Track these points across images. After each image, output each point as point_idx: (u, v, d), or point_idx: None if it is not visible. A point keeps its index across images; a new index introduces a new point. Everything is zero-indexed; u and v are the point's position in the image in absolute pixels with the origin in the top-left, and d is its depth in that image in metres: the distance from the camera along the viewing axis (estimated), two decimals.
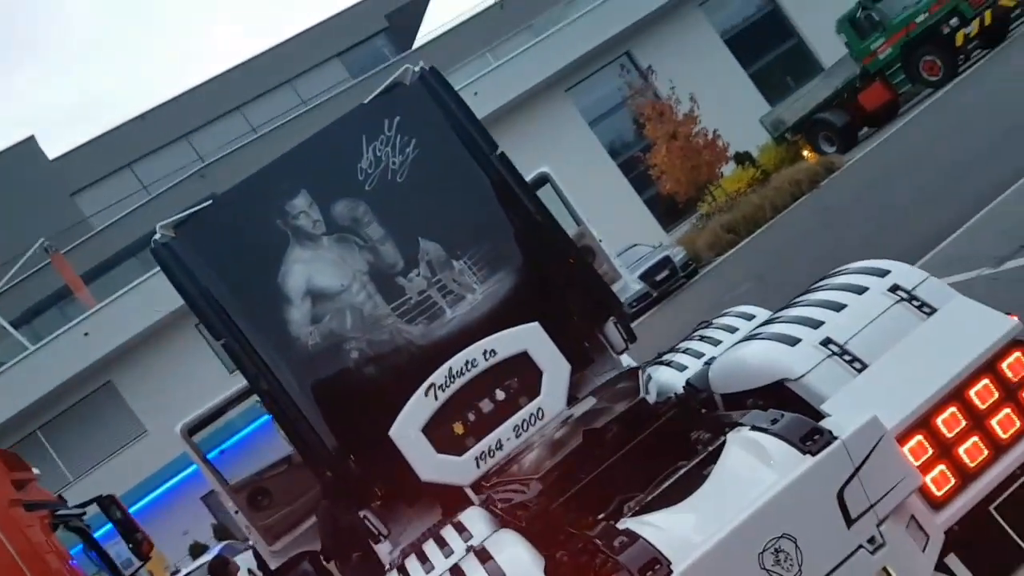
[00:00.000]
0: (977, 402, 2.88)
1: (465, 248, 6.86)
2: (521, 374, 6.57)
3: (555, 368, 6.58)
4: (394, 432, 6.31)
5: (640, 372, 4.18)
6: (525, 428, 6.47)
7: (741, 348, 3.65)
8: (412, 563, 4.32)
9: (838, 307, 3.28)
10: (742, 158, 26.49)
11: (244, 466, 8.43)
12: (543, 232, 6.92)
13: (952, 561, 2.81)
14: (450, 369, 6.48)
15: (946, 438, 2.86)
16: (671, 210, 28.68)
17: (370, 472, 6.52)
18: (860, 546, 2.59)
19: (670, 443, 3.61)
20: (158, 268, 6.65)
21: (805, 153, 24.43)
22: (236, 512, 7.89)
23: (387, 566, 6.70)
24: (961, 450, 2.86)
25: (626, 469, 3.56)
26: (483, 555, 3.21)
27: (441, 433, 6.40)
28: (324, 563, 8.06)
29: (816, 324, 3.26)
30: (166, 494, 24.32)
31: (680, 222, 27.63)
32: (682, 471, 3.16)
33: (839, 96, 24.02)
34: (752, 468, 2.80)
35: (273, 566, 8.33)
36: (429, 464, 6.30)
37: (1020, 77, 15.12)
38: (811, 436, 2.71)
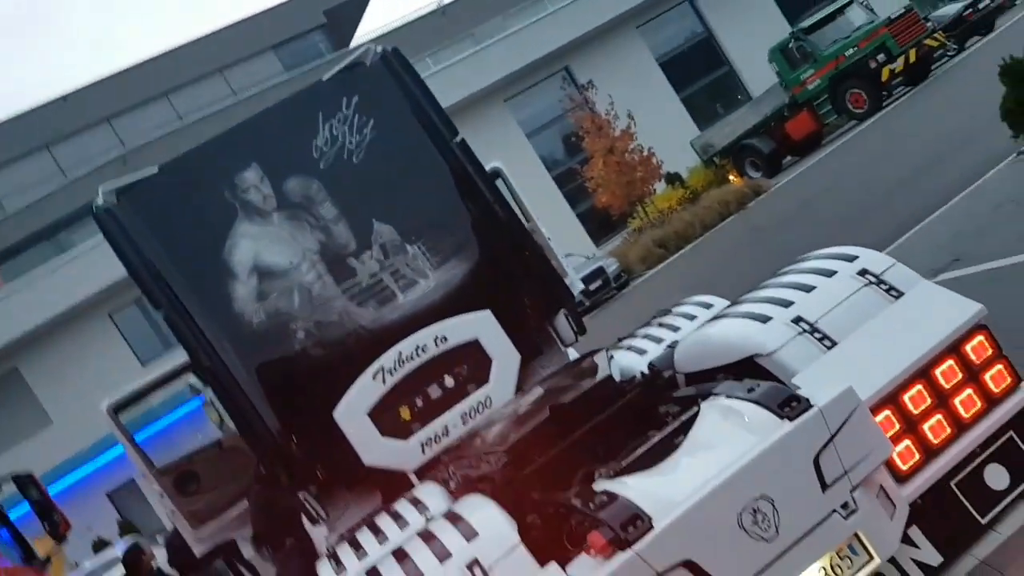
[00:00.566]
0: (942, 381, 2.99)
1: (420, 233, 6.80)
2: (471, 362, 6.54)
3: (505, 357, 6.58)
4: (339, 414, 6.19)
5: (604, 353, 4.20)
6: (472, 416, 6.44)
7: (709, 327, 3.72)
8: (364, 536, 4.24)
9: (807, 288, 3.37)
10: (672, 178, 27.10)
11: (169, 452, 8.15)
12: (500, 222, 6.91)
13: (914, 533, 2.90)
14: (399, 353, 6.41)
15: (912, 414, 2.96)
16: (603, 224, 29.12)
17: (312, 454, 6.38)
18: (834, 510, 2.66)
19: (638, 418, 3.64)
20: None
21: (731, 177, 25.13)
22: (162, 496, 7.62)
23: (324, 551, 6.58)
24: (926, 427, 2.96)
25: (594, 443, 3.57)
26: (452, 517, 3.18)
27: (387, 417, 6.31)
28: (248, 555, 7.84)
29: (786, 303, 3.34)
30: (69, 488, 23.31)
31: (611, 236, 28.04)
32: (654, 440, 3.19)
33: (767, 124, 24.81)
34: (730, 433, 2.85)
35: (198, 552, 8.06)
36: (373, 448, 6.21)
37: (938, 113, 15.87)
38: (788, 403, 2.77)
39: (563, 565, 2.81)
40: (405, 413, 6.35)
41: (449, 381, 6.44)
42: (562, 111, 28.41)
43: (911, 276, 3.30)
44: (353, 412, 6.20)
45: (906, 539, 2.88)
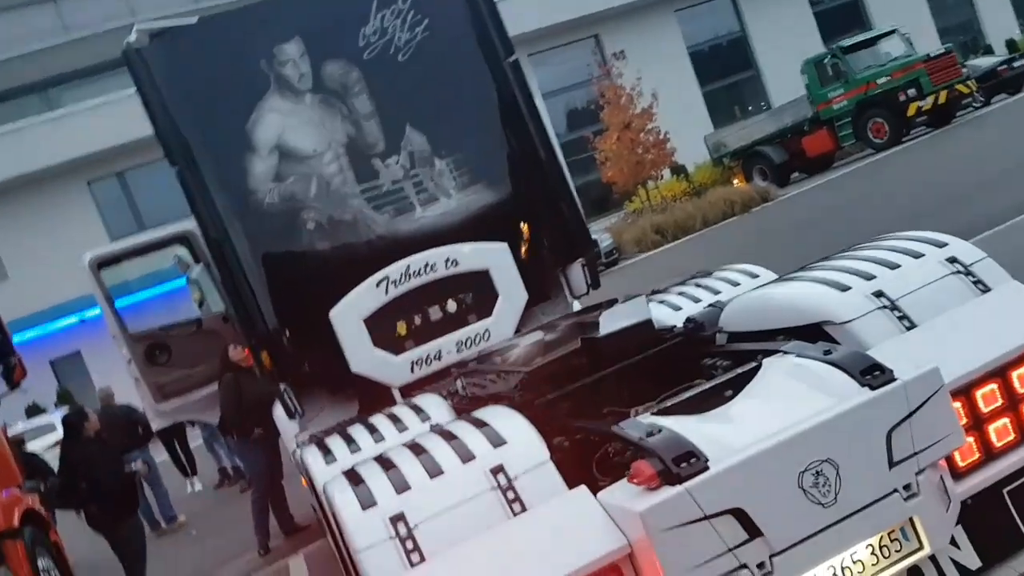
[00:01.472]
0: (1017, 385, 2.84)
1: (452, 149, 6.53)
2: (477, 292, 6.34)
3: (512, 295, 6.38)
4: (335, 314, 5.97)
5: (644, 298, 4.00)
6: (468, 346, 6.25)
7: (771, 289, 3.54)
8: (358, 432, 4.04)
9: (892, 265, 3.20)
10: (677, 169, 26.93)
11: (143, 323, 7.86)
12: (537, 157, 6.67)
13: (958, 533, 2.76)
14: (408, 267, 6.18)
15: (981, 412, 2.81)
16: (599, 201, 28.89)
17: (301, 349, 6.16)
18: (896, 490, 2.50)
19: (677, 367, 3.47)
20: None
21: (736, 181, 25.00)
22: (130, 362, 7.35)
23: (293, 446, 6.38)
24: (992, 427, 2.82)
25: (629, 381, 3.39)
26: (476, 422, 2.97)
27: (382, 329, 6.10)
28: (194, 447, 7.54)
29: (868, 276, 3.17)
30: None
31: (605, 214, 27.78)
32: (703, 387, 3.01)
33: (784, 135, 24.62)
34: (800, 392, 2.68)
35: (155, 426, 7.82)
36: (363, 356, 6.00)
37: (958, 158, 15.78)
38: (871, 371, 2.60)
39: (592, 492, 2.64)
40: (401, 328, 6.15)
41: (451, 306, 6.23)
42: (584, 78, 27.91)
43: (1000, 273, 3.14)
44: (349, 316, 5.97)
45: (950, 538, 2.74)
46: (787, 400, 2.66)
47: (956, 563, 2.82)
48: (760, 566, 2.39)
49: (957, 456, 2.78)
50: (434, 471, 2.76)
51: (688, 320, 3.90)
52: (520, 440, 2.82)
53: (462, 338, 6.21)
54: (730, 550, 2.38)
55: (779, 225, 15.46)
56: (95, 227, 24.77)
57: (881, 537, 2.52)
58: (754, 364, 2.98)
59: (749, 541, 2.39)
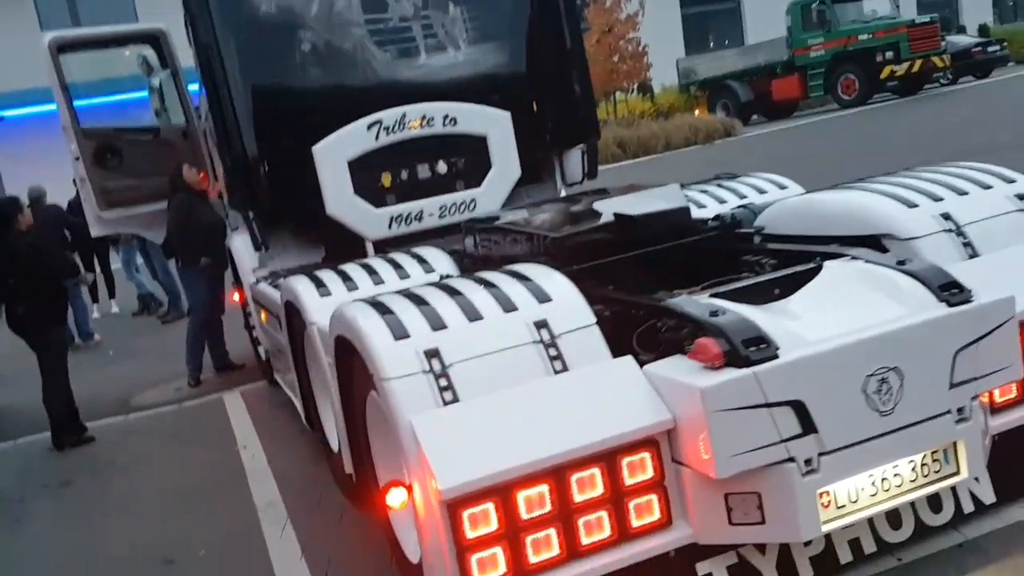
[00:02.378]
0: None
1: None
2: (470, 158, 6.04)
3: (505, 168, 6.10)
4: (319, 149, 5.60)
5: (678, 186, 3.80)
6: (451, 212, 5.98)
7: (827, 194, 3.40)
8: (355, 271, 3.78)
9: (960, 191, 3.09)
10: (643, 88, 26.57)
11: (99, 122, 7.27)
12: (559, 27, 6.29)
13: None
14: (403, 115, 5.82)
15: None
16: None
17: (277, 180, 5.79)
18: (949, 411, 2.43)
19: (713, 259, 3.32)
20: None
21: (696, 112, 24.83)
22: (77, 159, 6.81)
23: (251, 279, 6.07)
24: None
25: (661, 267, 3.22)
26: (516, 274, 2.76)
27: (366, 177, 5.77)
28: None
29: (935, 197, 3.05)
30: None
31: None
32: (751, 280, 2.88)
33: (754, 73, 24.46)
34: (871, 297, 2.55)
35: (95, 233, 7.33)
36: (341, 200, 5.68)
37: (917, 132, 15.85)
38: (949, 288, 2.49)
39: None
40: (386, 180, 5.83)
41: (442, 168, 5.93)
42: None
43: None
44: (334, 154, 5.61)
45: None
46: (855, 303, 2.54)
47: (973, 495, 2.81)
48: (808, 462, 2.30)
49: (996, 391, 2.73)
50: (472, 315, 2.56)
51: (718, 216, 3.75)
52: (566, 299, 2.64)
53: (447, 203, 5.93)
54: (782, 441, 2.27)
55: (736, 160, 15.41)
56: (27, 17, 22.97)
57: (925, 455, 2.45)
58: (812, 265, 2.84)
59: (802, 436, 2.29)
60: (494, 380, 2.43)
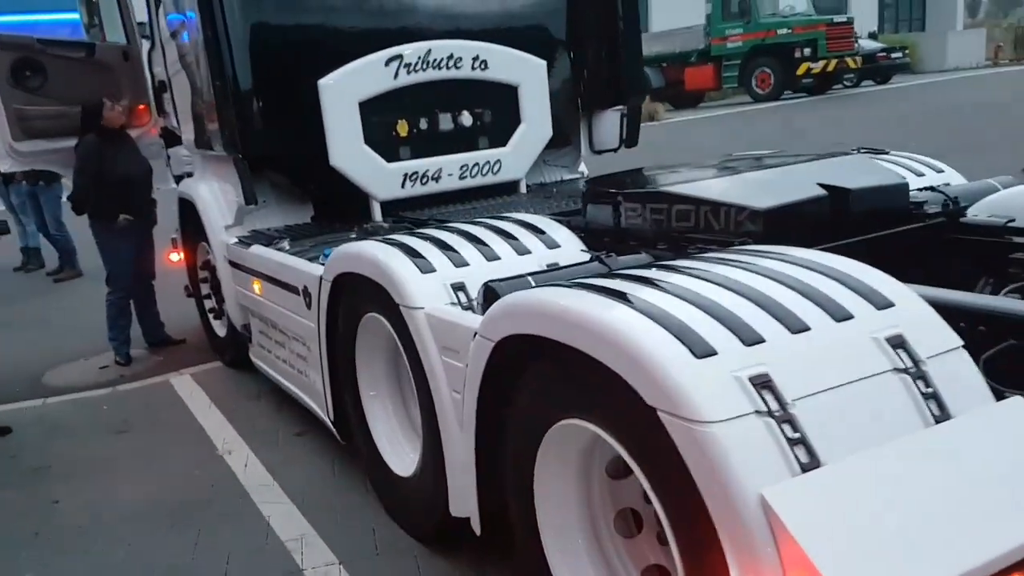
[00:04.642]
0: None
1: None
2: (498, 110, 5.12)
3: (536, 126, 5.22)
4: (326, 84, 4.53)
5: (865, 156, 3.07)
6: (472, 174, 5.05)
7: None
8: (456, 240, 2.83)
9: None
10: None
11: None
12: None
13: None
14: (428, 52, 4.83)
15: None
16: None
17: (272, 122, 4.66)
18: None
19: (942, 252, 2.62)
20: None
21: None
22: None
23: (223, 240, 4.91)
24: None
25: (879, 256, 2.48)
26: (818, 266, 1.93)
27: (379, 123, 4.74)
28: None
29: None
30: None
31: None
32: None
33: (669, 60, 24.22)
34: None
35: (3, 168, 5.85)
36: (348, 149, 4.64)
37: (831, 127, 15.88)
38: None
39: None
40: (402, 129, 4.81)
41: (466, 119, 4.97)
42: None
43: None
44: (344, 91, 4.56)
45: None
46: None
47: None
48: None
49: None
50: (795, 326, 1.72)
51: (919, 201, 3.03)
52: (914, 308, 1.84)
53: (468, 163, 5.01)
54: None
55: (678, 145, 15.00)
56: None
57: None
58: None
59: None
60: (853, 429, 1.60)
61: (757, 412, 1.56)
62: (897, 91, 22.42)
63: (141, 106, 5.99)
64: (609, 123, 5.53)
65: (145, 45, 5.88)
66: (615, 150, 5.57)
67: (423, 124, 4.81)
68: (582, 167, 5.84)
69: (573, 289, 1.98)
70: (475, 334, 2.27)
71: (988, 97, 17.66)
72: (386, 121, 4.69)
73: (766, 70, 22.05)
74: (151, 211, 5.89)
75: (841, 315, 1.77)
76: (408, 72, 4.69)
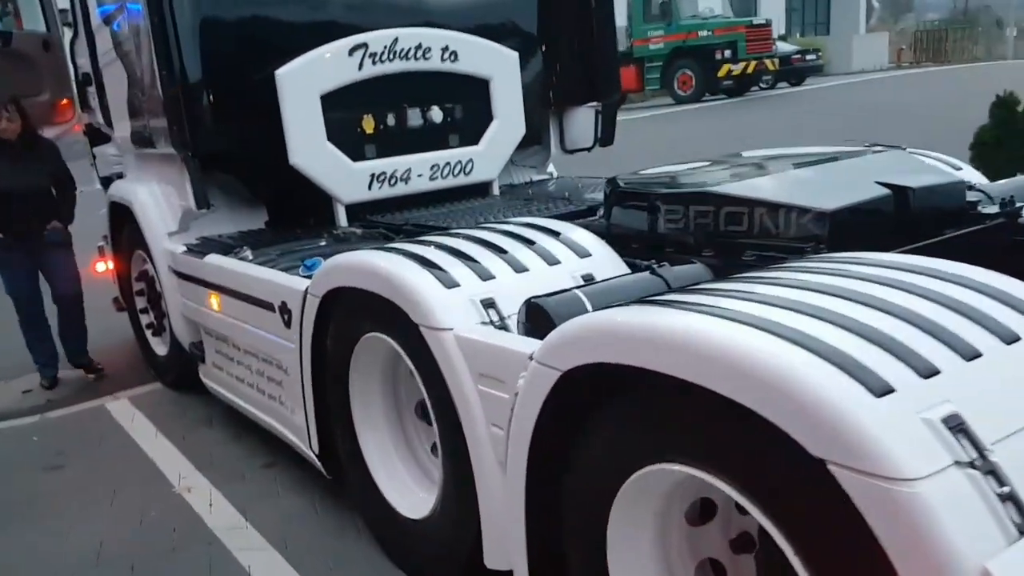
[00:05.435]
0: None
1: None
2: (469, 106, 4.76)
3: (509, 123, 4.88)
4: (285, 74, 4.09)
5: (902, 151, 2.86)
6: (443, 175, 4.68)
7: None
8: (474, 249, 2.47)
9: None
10: None
11: None
12: None
13: None
14: (395, 41, 4.43)
15: None
16: None
17: (224, 118, 4.17)
18: None
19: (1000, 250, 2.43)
20: None
21: None
22: None
23: (167, 248, 4.39)
24: None
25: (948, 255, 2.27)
26: (951, 276, 1.67)
27: (343, 119, 4.33)
28: None
29: None
30: None
31: None
32: None
33: None
34: None
35: None
36: (309, 147, 4.20)
37: (751, 129, 16.04)
38: None
39: None
40: (368, 125, 4.43)
41: (436, 115, 4.60)
42: None
43: None
44: (304, 82, 4.12)
45: None
46: None
47: None
48: None
49: None
50: (967, 352, 1.45)
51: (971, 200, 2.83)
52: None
53: (440, 162, 4.64)
54: None
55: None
56: None
57: None
58: None
59: None
60: None
61: (957, 463, 1.28)
62: (812, 92, 22.89)
63: (64, 101, 5.41)
64: (582, 120, 5.24)
65: (68, 34, 5.30)
66: (589, 149, 5.29)
67: (391, 120, 4.42)
68: (550, 167, 5.54)
69: (669, 309, 1.66)
70: (530, 360, 1.93)
71: (903, 98, 18.19)
72: (351, 116, 4.29)
73: (688, 72, 22.19)
74: (46, 227, 5.12)
75: (1010, 336, 1.51)
76: (374, 63, 4.30)
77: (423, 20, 4.58)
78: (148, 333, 5.14)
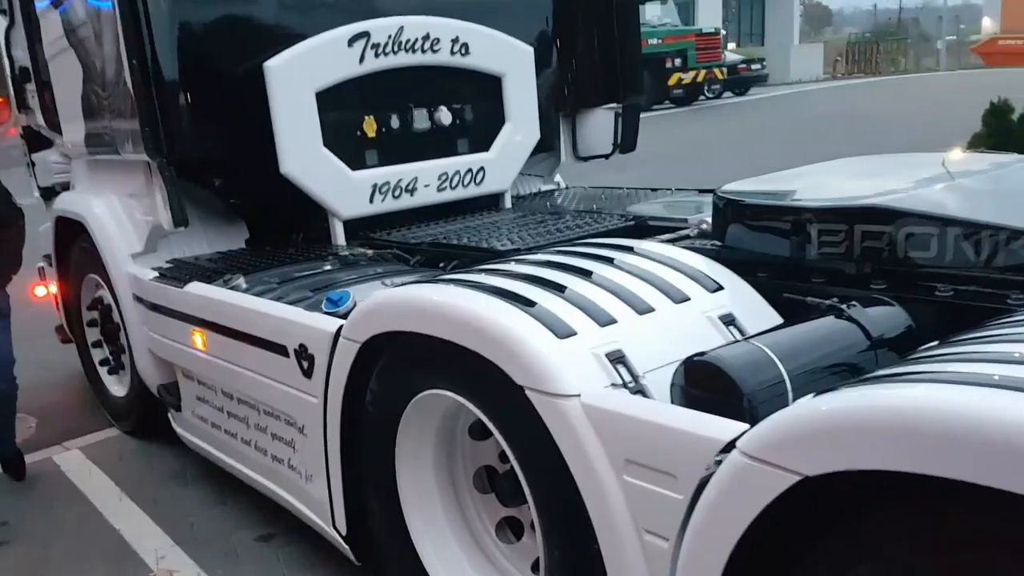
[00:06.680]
0: None
1: None
2: (479, 106, 4.17)
3: (523, 126, 4.30)
4: (274, 67, 3.44)
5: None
6: (452, 185, 4.08)
7: None
8: (575, 283, 1.89)
9: None
10: None
11: None
12: None
13: None
14: (400, 30, 3.83)
15: None
16: None
17: (203, 122, 3.49)
18: None
19: None
20: None
21: None
22: None
23: (130, 272, 3.67)
24: None
25: None
26: None
27: (341, 120, 3.69)
28: None
29: None
30: None
31: None
32: None
33: None
34: None
35: None
36: (303, 152, 3.54)
37: (700, 138, 15.77)
38: None
39: None
40: (369, 128, 3.81)
41: (444, 117, 4.00)
42: None
43: None
44: (296, 78, 3.47)
45: None
46: None
47: None
48: None
49: None
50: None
51: None
52: None
53: (449, 170, 4.05)
54: None
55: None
56: None
57: None
58: None
59: None
60: None
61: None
62: (757, 102, 22.91)
63: None
64: (600, 124, 4.70)
65: (1, 22, 4.55)
66: (607, 156, 4.76)
67: (394, 122, 3.82)
68: (557, 177, 5.00)
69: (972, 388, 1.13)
70: (731, 450, 1.37)
71: (846, 107, 18.27)
72: (350, 118, 3.69)
73: None
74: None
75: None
76: (376, 55, 3.70)
77: (437, 7, 3.99)
78: (103, 371, 4.40)
